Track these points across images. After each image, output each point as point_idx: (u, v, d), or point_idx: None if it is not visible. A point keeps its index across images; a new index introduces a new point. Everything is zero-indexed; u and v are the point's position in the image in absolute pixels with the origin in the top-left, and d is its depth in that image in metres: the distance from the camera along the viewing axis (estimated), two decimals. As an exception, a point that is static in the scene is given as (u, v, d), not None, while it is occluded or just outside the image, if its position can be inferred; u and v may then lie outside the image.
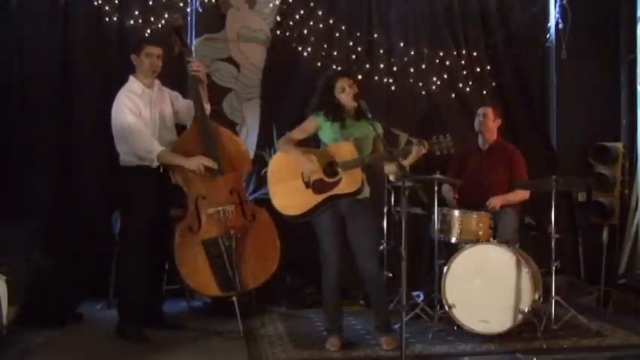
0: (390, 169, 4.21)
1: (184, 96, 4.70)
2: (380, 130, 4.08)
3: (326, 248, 4.13)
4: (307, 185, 4.10)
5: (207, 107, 4.61)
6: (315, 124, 4.22)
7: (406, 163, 3.95)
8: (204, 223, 4.43)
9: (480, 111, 5.16)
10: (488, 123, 5.09)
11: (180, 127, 4.75)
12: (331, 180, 4.05)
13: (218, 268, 4.37)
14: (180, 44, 4.60)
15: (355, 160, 3.99)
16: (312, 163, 4.07)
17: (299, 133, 4.26)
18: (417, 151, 3.80)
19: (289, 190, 4.14)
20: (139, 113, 4.35)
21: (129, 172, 4.41)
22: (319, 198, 4.06)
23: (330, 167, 4.06)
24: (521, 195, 4.95)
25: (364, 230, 4.13)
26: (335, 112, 4.14)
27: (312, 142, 4.31)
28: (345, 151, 4.04)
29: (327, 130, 4.18)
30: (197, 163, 4.33)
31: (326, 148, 4.15)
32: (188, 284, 4.58)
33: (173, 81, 4.77)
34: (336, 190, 4.02)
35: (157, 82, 4.54)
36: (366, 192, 4.18)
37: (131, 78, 4.48)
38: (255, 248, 4.49)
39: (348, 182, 4.00)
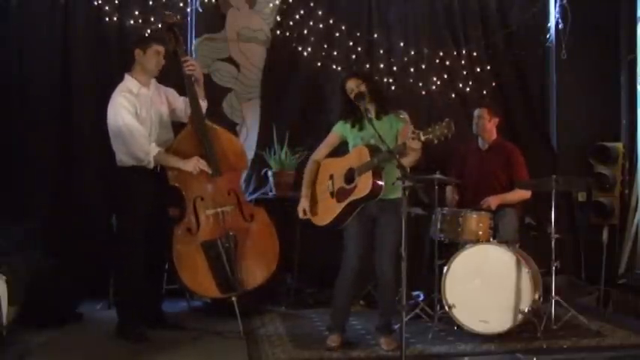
0: (406, 163, 4.16)
1: (180, 94, 4.69)
2: (403, 122, 4.11)
3: (348, 252, 4.13)
4: (332, 195, 4.16)
5: (204, 105, 4.60)
6: (337, 135, 4.27)
7: (408, 162, 3.95)
8: (202, 225, 4.43)
9: (476, 113, 5.17)
10: (485, 124, 5.09)
11: (176, 125, 4.72)
12: (349, 186, 4.07)
13: (217, 269, 4.38)
14: (174, 42, 4.55)
15: (366, 164, 3.98)
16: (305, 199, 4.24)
17: (324, 148, 4.34)
18: (411, 145, 3.71)
19: (318, 202, 4.24)
20: (136, 113, 4.31)
21: (126, 171, 4.38)
22: (342, 205, 4.09)
23: (350, 174, 4.09)
24: (521, 194, 4.95)
25: (389, 231, 4.08)
26: (354, 115, 4.15)
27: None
28: (360, 155, 4.04)
29: (350, 136, 4.20)
30: (194, 165, 4.32)
31: (347, 156, 4.19)
32: (188, 286, 4.59)
33: (169, 79, 4.75)
34: (353, 196, 4.04)
35: (153, 80, 4.51)
36: (395, 191, 4.06)
37: (127, 76, 4.43)
38: (254, 249, 4.49)
39: (362, 187, 4.00)
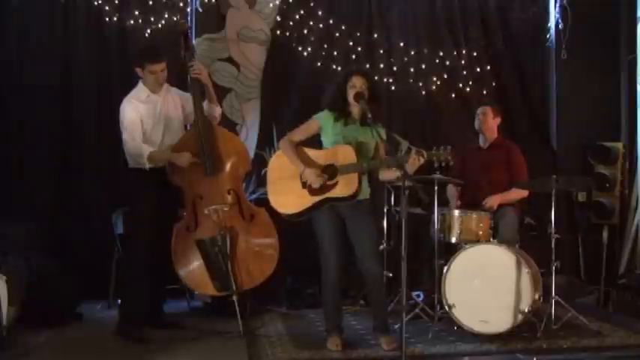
0: (385, 176, 4.20)
1: None
2: (383, 136, 4.02)
3: (326, 250, 4.12)
4: (304, 185, 4.11)
5: (218, 109, 4.67)
6: (317, 124, 4.19)
7: (392, 175, 3.97)
8: (200, 223, 4.45)
9: (480, 110, 5.16)
10: (488, 121, 5.09)
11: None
12: (328, 183, 4.04)
13: (213, 267, 4.40)
14: (185, 48, 4.60)
15: (353, 165, 3.97)
16: (312, 171, 4.05)
17: (300, 133, 4.20)
18: (414, 161, 3.74)
19: (286, 189, 4.16)
20: (139, 119, 4.39)
21: (133, 173, 4.45)
22: (314, 199, 4.06)
23: (329, 170, 4.05)
24: (519, 193, 4.94)
25: (365, 232, 4.12)
26: (341, 108, 4.12)
27: (315, 142, 4.27)
28: (345, 154, 4.02)
29: (330, 130, 4.13)
30: (185, 159, 4.35)
31: (327, 150, 4.14)
32: (186, 283, 4.61)
33: (179, 83, 4.76)
34: (331, 194, 4.02)
35: (165, 85, 4.56)
36: (366, 193, 4.16)
37: (139, 83, 4.51)
38: (252, 249, 4.50)
39: (344, 186, 3.99)
